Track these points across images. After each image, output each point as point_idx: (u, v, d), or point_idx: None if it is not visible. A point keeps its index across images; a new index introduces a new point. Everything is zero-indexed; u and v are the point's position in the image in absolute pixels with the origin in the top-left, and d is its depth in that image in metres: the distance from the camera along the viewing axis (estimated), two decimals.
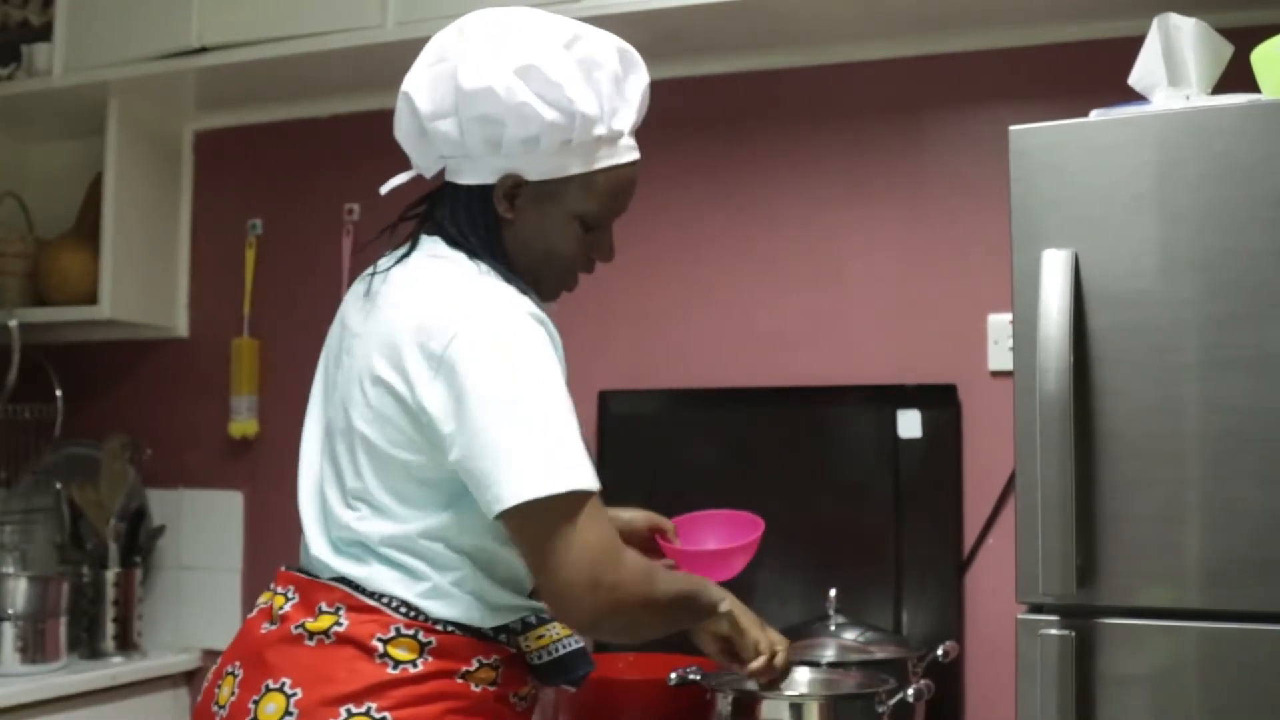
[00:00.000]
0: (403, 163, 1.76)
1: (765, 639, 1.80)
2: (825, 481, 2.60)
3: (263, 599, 1.71)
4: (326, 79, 2.96)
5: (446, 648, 1.60)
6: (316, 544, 1.68)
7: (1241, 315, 1.66)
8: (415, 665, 1.58)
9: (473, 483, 1.56)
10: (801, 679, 2.17)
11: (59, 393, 3.20)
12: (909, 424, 2.55)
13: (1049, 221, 1.76)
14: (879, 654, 2.26)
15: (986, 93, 2.61)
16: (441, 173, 1.72)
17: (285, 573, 1.70)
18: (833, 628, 2.32)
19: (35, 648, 2.71)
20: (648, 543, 1.99)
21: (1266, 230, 1.66)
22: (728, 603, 1.77)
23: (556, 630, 1.71)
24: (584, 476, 1.55)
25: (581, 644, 1.73)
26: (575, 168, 1.68)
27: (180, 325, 3.24)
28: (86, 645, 2.91)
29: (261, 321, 3.14)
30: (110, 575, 2.93)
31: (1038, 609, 1.73)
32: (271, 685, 1.57)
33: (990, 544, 2.52)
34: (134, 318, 3.10)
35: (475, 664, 1.62)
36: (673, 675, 2.15)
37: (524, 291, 1.65)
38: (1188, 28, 1.89)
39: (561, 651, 1.70)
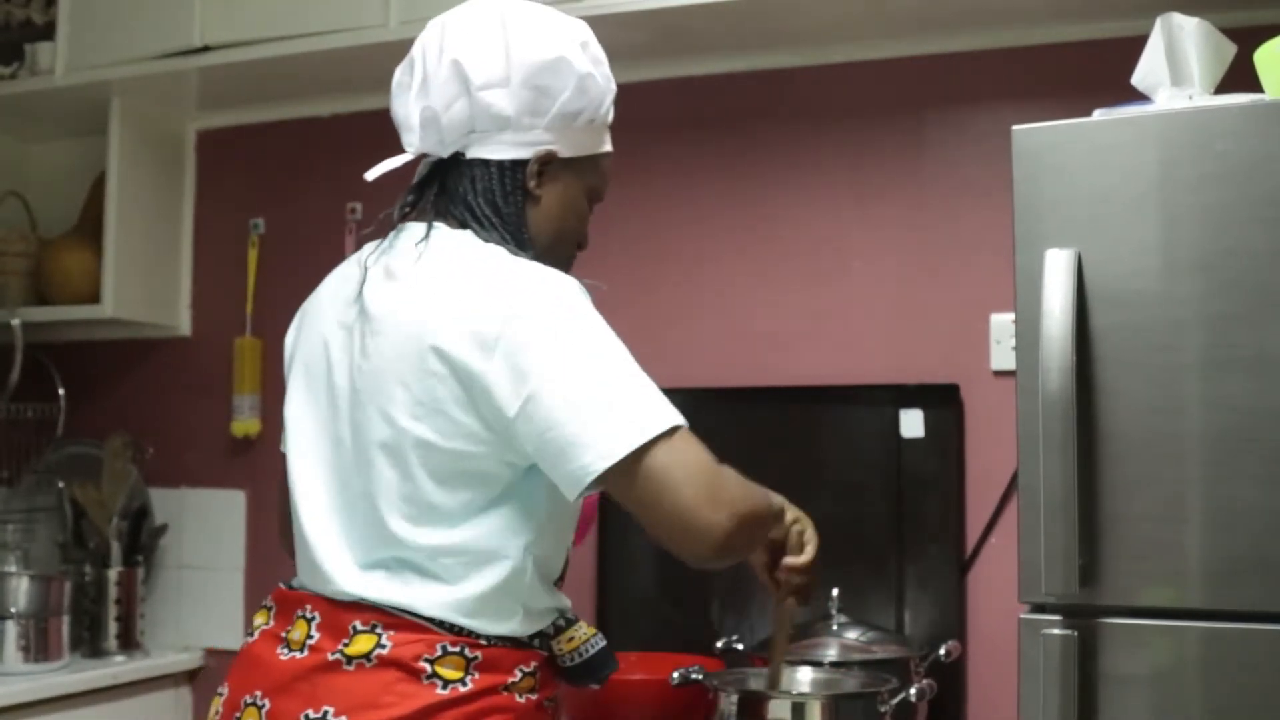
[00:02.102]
0: (409, 164, 1.74)
1: (811, 529, 1.78)
2: (827, 481, 2.60)
3: (260, 619, 1.64)
4: (329, 78, 2.96)
5: (491, 660, 1.55)
6: (338, 565, 1.58)
7: (1243, 315, 1.66)
8: (464, 684, 1.53)
9: (556, 456, 1.49)
10: (804, 679, 2.18)
11: (61, 392, 3.20)
12: (911, 423, 2.55)
13: (1051, 221, 1.77)
14: (881, 654, 2.26)
15: (989, 92, 2.60)
16: (455, 153, 1.67)
17: (293, 592, 1.63)
18: (835, 627, 2.32)
19: (37, 647, 2.71)
20: None
21: (1269, 230, 1.66)
22: (777, 498, 1.75)
23: (584, 631, 1.70)
24: (671, 412, 1.55)
25: (605, 642, 1.72)
26: (598, 146, 1.74)
27: (182, 324, 3.24)
28: (88, 644, 2.91)
29: (264, 321, 3.14)
30: (112, 574, 2.93)
31: (1040, 609, 1.73)
32: (312, 715, 1.50)
33: (992, 543, 2.52)
34: (136, 317, 3.10)
35: (518, 674, 1.58)
36: (675, 674, 2.16)
37: None
38: (1191, 27, 1.89)
39: (591, 652, 1.69)
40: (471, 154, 1.66)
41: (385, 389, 1.56)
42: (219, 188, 3.27)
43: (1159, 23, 1.90)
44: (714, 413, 2.72)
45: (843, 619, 2.33)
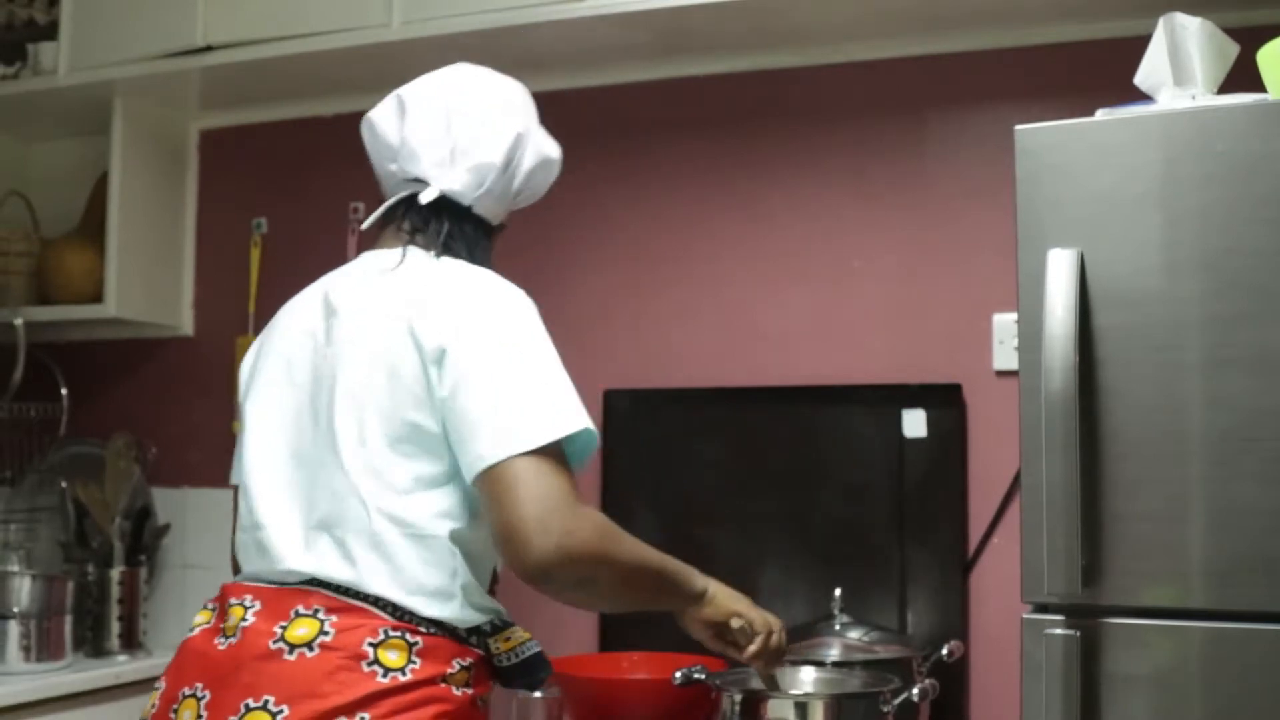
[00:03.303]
0: None
1: (760, 619, 1.84)
2: (830, 481, 2.60)
3: (201, 618, 1.69)
4: (331, 78, 2.96)
5: (431, 649, 1.60)
6: (283, 539, 1.65)
7: (1245, 315, 1.66)
8: (404, 673, 1.56)
9: (463, 439, 1.60)
10: (806, 678, 2.18)
11: (64, 391, 3.21)
12: (914, 423, 2.55)
13: (1054, 221, 1.77)
14: (884, 653, 2.26)
15: (991, 92, 2.60)
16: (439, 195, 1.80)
17: (235, 585, 1.68)
18: (837, 627, 2.32)
19: (40, 646, 2.70)
20: None
21: (1271, 230, 1.66)
22: (712, 587, 1.81)
23: (520, 634, 1.74)
24: (577, 420, 1.62)
25: (541, 648, 1.76)
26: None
27: (185, 324, 3.24)
28: (91, 644, 2.91)
29: (266, 320, 3.07)
30: (115, 574, 2.93)
31: (1043, 608, 1.73)
32: (252, 704, 1.53)
33: (995, 543, 2.52)
34: (139, 316, 3.10)
35: (455, 666, 1.62)
36: (678, 674, 2.15)
37: None
38: (1194, 27, 1.89)
39: (527, 654, 1.73)
40: (469, 204, 1.81)
41: (351, 363, 1.68)
42: (221, 187, 3.27)
43: (1162, 22, 1.90)
44: (717, 413, 2.73)
45: (845, 619, 2.33)
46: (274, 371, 1.79)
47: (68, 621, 2.77)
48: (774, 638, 1.86)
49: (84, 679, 2.71)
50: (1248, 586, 1.64)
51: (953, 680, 2.39)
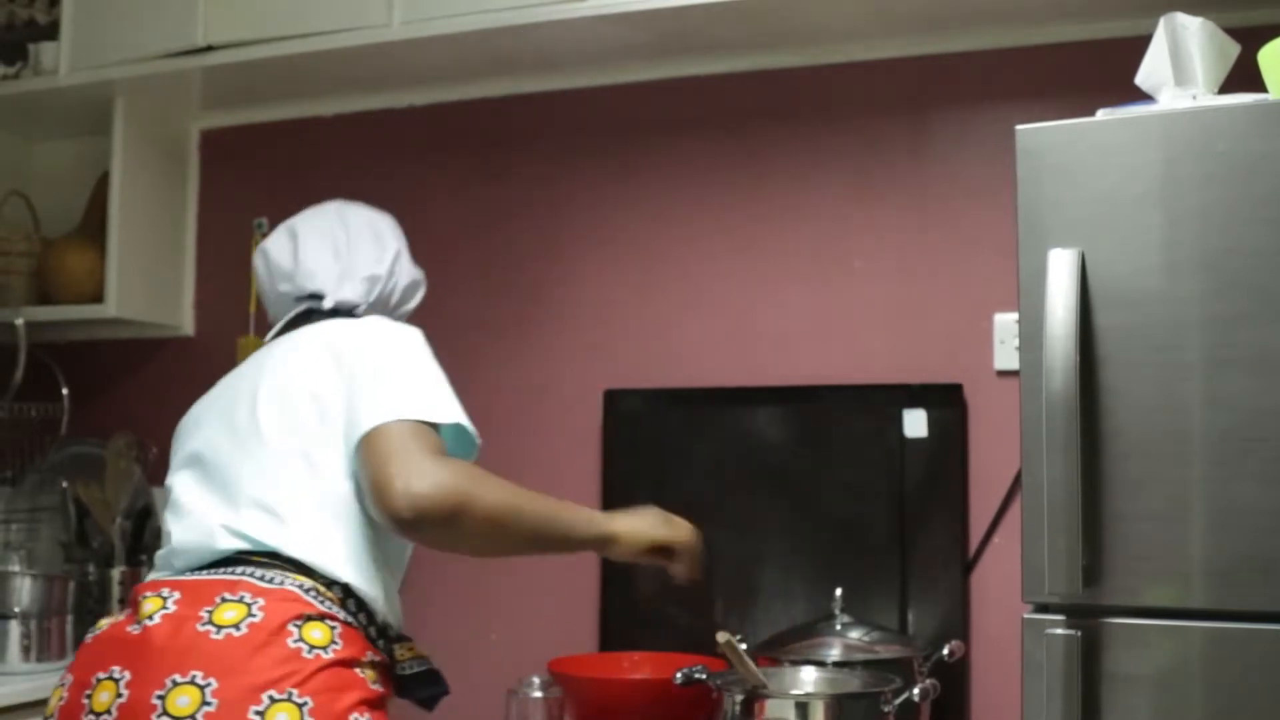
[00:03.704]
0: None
1: (677, 538, 1.96)
2: (831, 481, 2.60)
3: (105, 621, 1.76)
4: (332, 78, 2.96)
5: (349, 637, 1.67)
6: (214, 511, 1.76)
7: (1246, 314, 1.66)
8: (328, 651, 1.63)
9: (347, 410, 1.76)
10: (807, 678, 2.18)
11: (65, 391, 3.20)
12: (915, 423, 2.55)
13: (1055, 221, 1.77)
14: (884, 653, 2.26)
15: (992, 92, 2.60)
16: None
17: (150, 582, 1.76)
18: (838, 627, 2.32)
19: (40, 646, 2.70)
20: None
21: (1272, 230, 1.66)
22: (621, 527, 1.89)
23: (420, 648, 1.82)
24: (449, 412, 1.77)
25: (438, 667, 1.83)
26: None
27: (186, 324, 3.24)
28: None
29: (266, 320, 3.13)
30: (116, 574, 2.93)
31: (1044, 608, 1.73)
32: (180, 679, 1.57)
33: (996, 543, 2.52)
34: (140, 316, 3.10)
35: (367, 657, 1.69)
36: (679, 674, 2.16)
37: None
38: (1194, 27, 1.89)
39: (423, 668, 1.80)
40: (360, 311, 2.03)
41: (284, 369, 1.86)
42: (222, 187, 3.27)
43: (1163, 22, 1.90)
44: (717, 413, 2.73)
45: (846, 618, 2.33)
46: (201, 416, 1.98)
47: (69, 621, 2.77)
48: (694, 552, 1.99)
49: None
50: (1248, 587, 1.64)
51: (953, 680, 2.39)
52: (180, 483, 1.87)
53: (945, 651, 2.28)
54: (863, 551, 2.55)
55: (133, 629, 1.66)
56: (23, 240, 3.15)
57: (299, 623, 1.63)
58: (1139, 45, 1.92)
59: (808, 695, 2.10)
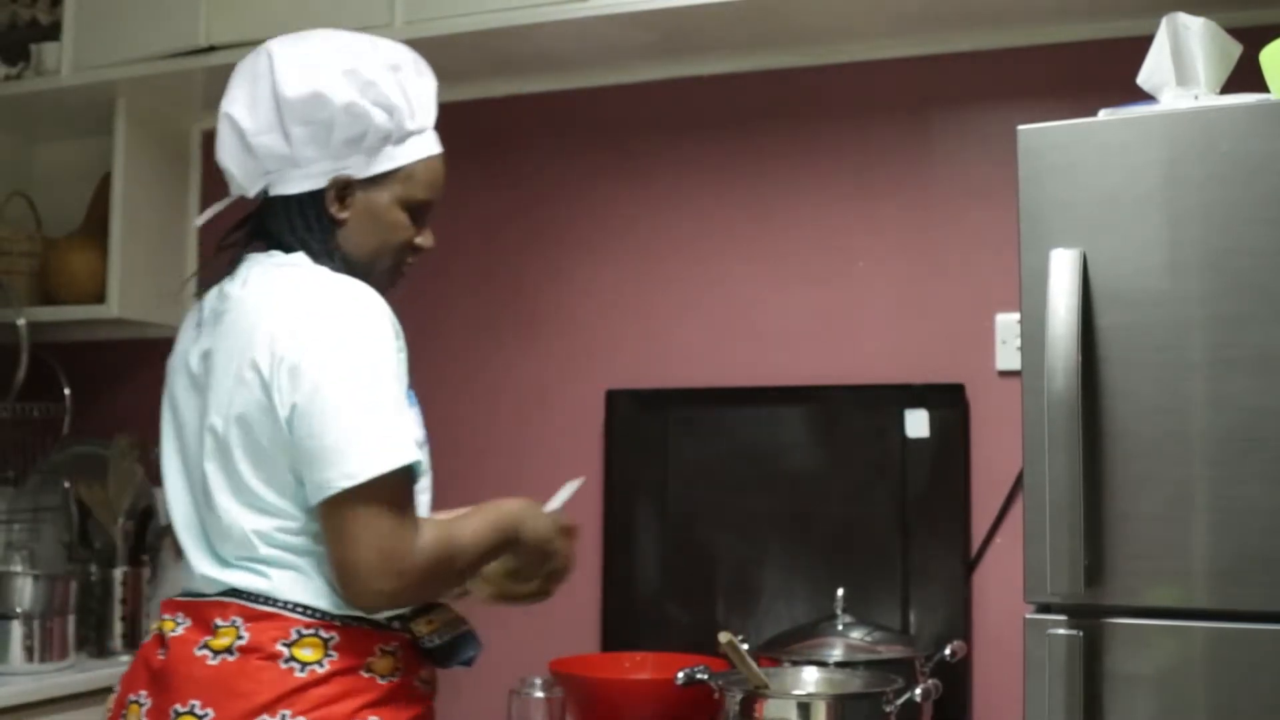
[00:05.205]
0: None
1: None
2: (832, 481, 2.60)
3: (153, 626, 1.75)
4: None
5: (348, 642, 1.64)
6: (201, 563, 1.71)
7: (1248, 314, 1.66)
8: (321, 665, 1.62)
9: (308, 463, 1.61)
10: (809, 679, 2.18)
11: (67, 391, 3.20)
12: (916, 423, 2.55)
13: (1057, 221, 1.77)
14: (886, 653, 2.26)
15: (994, 92, 2.60)
16: (263, 191, 1.81)
17: (169, 601, 1.74)
18: (840, 627, 2.32)
19: (43, 646, 2.70)
20: None
21: (1273, 230, 1.66)
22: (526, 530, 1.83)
23: (446, 613, 1.76)
24: (405, 453, 1.61)
25: (469, 627, 1.79)
26: (399, 160, 1.79)
27: None
28: (94, 644, 2.91)
29: None
30: (118, 574, 2.93)
31: (1046, 608, 1.73)
32: (180, 709, 1.60)
33: (998, 543, 2.52)
34: (142, 316, 3.10)
35: (378, 652, 1.66)
36: (681, 674, 2.16)
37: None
38: (1196, 27, 1.89)
39: (450, 635, 1.76)
40: (274, 192, 1.80)
41: (217, 397, 1.70)
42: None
43: (1164, 22, 1.90)
44: (719, 413, 2.73)
45: (848, 619, 2.33)
46: (169, 393, 1.87)
47: (71, 621, 2.78)
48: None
49: (87, 679, 2.71)
50: (1250, 586, 1.64)
51: (956, 680, 2.39)
52: (171, 503, 1.80)
53: (947, 652, 2.28)
54: (864, 552, 2.55)
55: (159, 653, 1.68)
56: (25, 240, 3.16)
57: (287, 642, 1.62)
58: (1141, 45, 1.92)
59: (810, 696, 2.10)
